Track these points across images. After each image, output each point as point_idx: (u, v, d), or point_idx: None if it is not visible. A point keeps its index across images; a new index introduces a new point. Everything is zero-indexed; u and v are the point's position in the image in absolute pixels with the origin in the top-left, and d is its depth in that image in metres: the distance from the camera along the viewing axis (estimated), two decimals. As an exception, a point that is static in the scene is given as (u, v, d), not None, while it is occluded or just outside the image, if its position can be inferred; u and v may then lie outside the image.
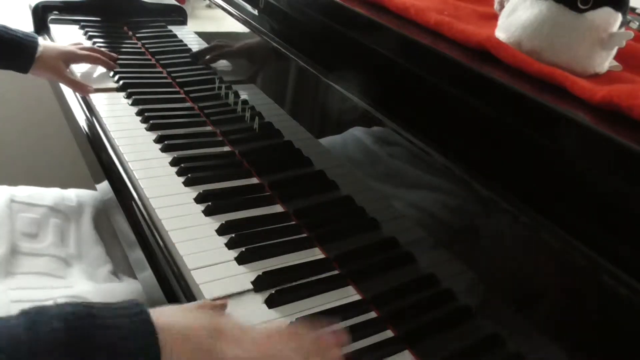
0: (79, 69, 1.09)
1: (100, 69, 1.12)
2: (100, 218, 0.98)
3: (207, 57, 1.08)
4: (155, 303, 0.71)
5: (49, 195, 0.97)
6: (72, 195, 1.00)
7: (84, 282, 0.84)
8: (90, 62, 1.10)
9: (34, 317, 0.39)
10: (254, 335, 0.48)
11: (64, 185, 1.03)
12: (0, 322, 0.39)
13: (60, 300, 0.68)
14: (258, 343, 0.48)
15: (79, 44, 1.11)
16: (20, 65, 0.98)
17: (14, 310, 0.73)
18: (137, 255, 0.73)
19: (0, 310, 0.74)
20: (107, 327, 0.40)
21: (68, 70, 1.04)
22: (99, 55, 1.10)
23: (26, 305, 0.60)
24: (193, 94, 1.06)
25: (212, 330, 0.46)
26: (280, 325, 0.52)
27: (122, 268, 0.92)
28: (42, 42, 0.99)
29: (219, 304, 0.52)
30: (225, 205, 0.77)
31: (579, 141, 0.46)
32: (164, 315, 0.44)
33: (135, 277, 0.85)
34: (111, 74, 1.11)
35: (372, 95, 0.66)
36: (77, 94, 1.04)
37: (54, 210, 0.94)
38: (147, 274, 0.69)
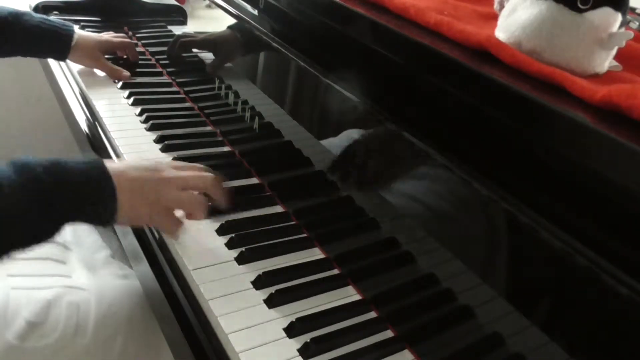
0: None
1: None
2: None
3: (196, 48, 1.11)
4: (155, 303, 0.71)
5: None
6: None
7: (82, 271, 0.85)
8: (123, 51, 1.15)
9: (20, 165, 0.55)
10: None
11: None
12: None
13: (59, 290, 0.77)
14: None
15: (111, 32, 1.16)
16: (58, 53, 1.04)
17: (13, 297, 0.77)
18: (137, 254, 0.73)
19: None
20: (73, 169, 0.58)
21: (105, 58, 1.09)
22: (130, 42, 1.15)
23: (25, 293, 0.78)
24: (193, 94, 1.06)
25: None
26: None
27: (119, 255, 0.92)
28: (78, 31, 1.05)
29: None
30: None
31: (579, 141, 0.46)
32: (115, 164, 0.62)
33: (131, 267, 0.86)
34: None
35: (372, 95, 0.66)
36: (77, 95, 1.04)
37: None
38: (147, 273, 0.69)
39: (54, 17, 1.04)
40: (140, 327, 0.80)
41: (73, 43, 1.02)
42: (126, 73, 1.08)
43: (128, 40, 1.15)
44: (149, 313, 0.80)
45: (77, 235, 0.92)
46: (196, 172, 0.70)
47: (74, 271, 0.84)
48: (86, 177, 0.59)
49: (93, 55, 1.06)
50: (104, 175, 0.60)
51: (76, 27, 1.04)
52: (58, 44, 1.02)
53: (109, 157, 0.87)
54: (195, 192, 0.69)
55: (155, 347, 0.81)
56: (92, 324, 0.76)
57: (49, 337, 0.74)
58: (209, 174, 0.70)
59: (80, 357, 0.75)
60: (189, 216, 0.69)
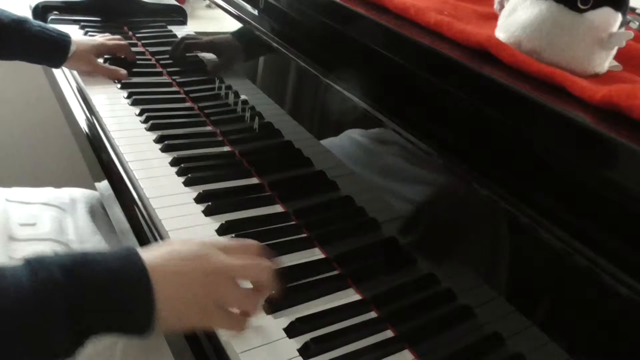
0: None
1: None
2: (95, 213, 0.99)
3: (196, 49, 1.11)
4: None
5: (43, 193, 0.97)
6: (65, 193, 1.01)
7: None
8: (118, 52, 1.15)
9: (34, 265, 0.45)
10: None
11: (62, 186, 1.03)
12: (6, 271, 0.44)
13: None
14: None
15: (106, 35, 1.16)
16: (54, 62, 1.05)
17: None
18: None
19: None
20: (100, 266, 0.47)
21: (100, 62, 1.10)
22: (125, 44, 1.15)
23: None
24: (193, 94, 1.06)
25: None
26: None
27: None
28: (75, 39, 1.05)
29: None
30: (225, 205, 0.77)
31: (579, 141, 0.46)
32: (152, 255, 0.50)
33: None
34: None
35: (372, 95, 0.66)
36: (77, 95, 1.04)
37: (49, 205, 0.95)
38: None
39: (52, 25, 1.05)
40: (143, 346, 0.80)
41: (70, 54, 1.03)
42: (123, 72, 1.09)
43: (123, 42, 1.15)
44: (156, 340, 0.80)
45: (79, 234, 0.92)
46: (250, 260, 0.56)
47: None
48: (115, 276, 0.47)
49: (88, 60, 1.07)
50: (139, 272, 0.47)
51: (72, 35, 1.05)
52: (55, 53, 1.02)
53: (109, 156, 0.87)
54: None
55: (156, 350, 0.81)
56: None
57: None
58: (266, 263, 0.56)
59: None
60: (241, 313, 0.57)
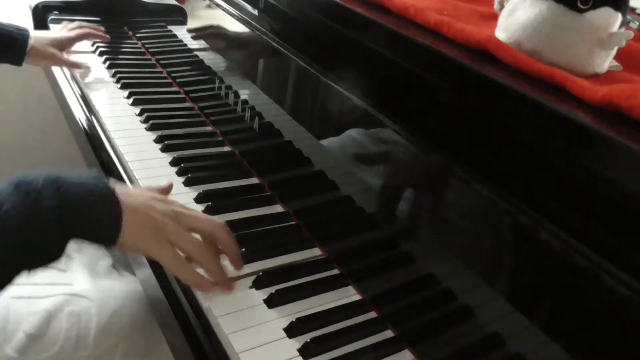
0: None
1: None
2: None
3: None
4: (154, 302, 0.71)
5: None
6: None
7: (84, 277, 0.83)
8: (83, 39, 1.14)
9: (18, 182, 0.51)
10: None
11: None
12: None
13: (60, 299, 0.69)
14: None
15: (66, 26, 1.15)
16: (13, 58, 1.02)
17: (13, 308, 0.75)
18: (139, 259, 0.73)
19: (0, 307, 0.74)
20: (78, 180, 0.54)
21: (63, 53, 1.08)
22: (88, 30, 1.14)
23: (26, 303, 0.78)
24: (193, 94, 1.06)
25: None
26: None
27: (121, 262, 0.92)
28: (33, 34, 1.03)
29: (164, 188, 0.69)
30: (225, 205, 0.77)
31: (579, 141, 0.46)
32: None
33: (134, 273, 0.86)
34: (91, 43, 1.17)
35: (372, 95, 0.66)
36: (77, 95, 1.04)
37: None
38: (147, 273, 0.69)
39: (8, 22, 1.02)
40: (141, 332, 0.80)
41: (29, 48, 1.01)
42: (83, 63, 1.09)
43: (87, 29, 1.14)
44: (150, 317, 0.80)
45: (79, 242, 0.92)
46: (205, 215, 0.65)
47: (75, 279, 0.83)
48: (91, 193, 0.54)
49: (47, 54, 1.05)
50: (110, 192, 0.55)
51: (31, 31, 1.03)
52: (13, 50, 1.01)
53: (109, 156, 0.87)
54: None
55: (156, 353, 0.81)
56: (93, 335, 0.76)
57: (49, 350, 0.73)
58: (219, 219, 0.63)
59: None
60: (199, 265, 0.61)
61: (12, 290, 0.76)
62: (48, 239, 0.51)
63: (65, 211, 0.52)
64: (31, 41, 1.01)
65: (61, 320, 0.75)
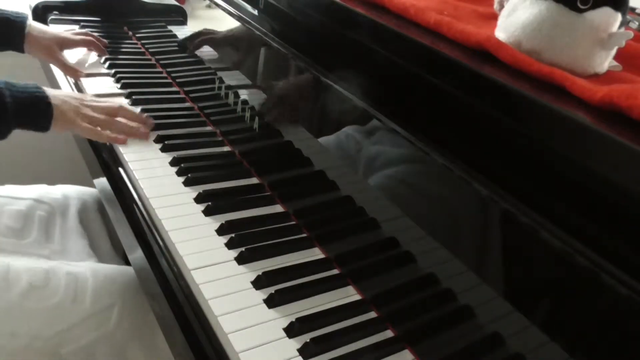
0: (72, 57, 1.11)
1: (93, 57, 1.15)
2: (86, 212, 0.99)
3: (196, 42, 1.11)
4: (154, 302, 0.71)
5: (35, 189, 0.98)
6: (58, 190, 1.01)
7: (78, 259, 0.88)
8: (84, 46, 1.14)
9: None
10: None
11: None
12: None
13: (58, 264, 0.85)
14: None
15: (73, 30, 1.16)
16: (13, 42, 1.03)
17: (13, 267, 0.92)
18: (137, 254, 0.73)
19: None
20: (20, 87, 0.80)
21: (62, 54, 1.08)
22: (92, 39, 1.14)
23: (24, 263, 0.85)
24: (193, 94, 1.06)
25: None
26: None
27: (106, 261, 0.92)
28: (33, 22, 1.04)
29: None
30: (225, 205, 0.77)
31: (579, 141, 0.46)
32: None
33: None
34: (102, 60, 1.14)
35: (372, 95, 0.66)
36: (74, 89, 1.04)
37: (39, 202, 0.95)
38: (147, 273, 0.69)
39: (6, 8, 1.02)
40: (137, 316, 0.82)
41: (26, 30, 1.01)
42: (81, 72, 1.07)
43: (90, 38, 1.14)
44: (150, 317, 0.81)
45: (64, 242, 0.92)
46: (110, 101, 0.90)
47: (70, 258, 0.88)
48: (30, 93, 0.80)
49: (48, 49, 1.05)
50: (42, 92, 0.81)
51: (30, 17, 1.04)
52: (11, 33, 1.01)
53: (109, 156, 0.88)
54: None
55: (157, 351, 0.82)
56: (90, 293, 0.80)
57: (49, 300, 0.78)
58: (118, 102, 0.90)
59: (78, 323, 0.78)
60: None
61: (10, 257, 0.81)
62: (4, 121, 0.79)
63: (17, 106, 0.78)
64: (28, 22, 1.02)
65: (59, 277, 0.80)
